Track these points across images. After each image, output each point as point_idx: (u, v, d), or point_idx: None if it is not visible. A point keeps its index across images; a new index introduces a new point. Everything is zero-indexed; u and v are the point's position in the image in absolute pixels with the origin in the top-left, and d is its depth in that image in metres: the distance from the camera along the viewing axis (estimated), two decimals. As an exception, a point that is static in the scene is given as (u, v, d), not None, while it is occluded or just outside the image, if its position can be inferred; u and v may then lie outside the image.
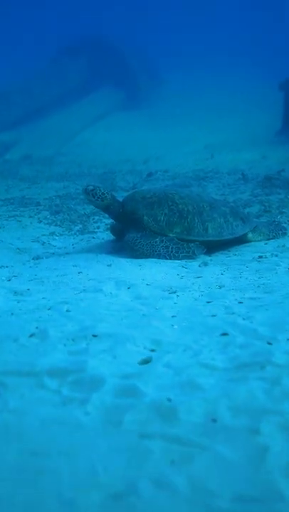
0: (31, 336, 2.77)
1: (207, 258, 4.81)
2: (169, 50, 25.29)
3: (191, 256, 4.77)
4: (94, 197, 4.94)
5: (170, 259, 4.73)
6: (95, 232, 5.97)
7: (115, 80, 17.78)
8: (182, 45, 27.69)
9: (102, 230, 6.08)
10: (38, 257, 5.06)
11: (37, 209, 7.24)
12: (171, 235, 4.85)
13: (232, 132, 13.64)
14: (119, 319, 3.08)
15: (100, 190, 4.95)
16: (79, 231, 6.07)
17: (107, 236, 5.72)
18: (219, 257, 4.88)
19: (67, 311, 3.24)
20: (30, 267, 4.73)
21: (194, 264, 4.64)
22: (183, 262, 4.71)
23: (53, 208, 7.25)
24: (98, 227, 6.22)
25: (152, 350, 2.56)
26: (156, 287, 3.84)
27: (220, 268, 4.41)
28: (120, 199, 5.22)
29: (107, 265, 4.55)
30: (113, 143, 13.48)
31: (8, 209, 7.31)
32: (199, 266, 4.58)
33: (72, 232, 6.04)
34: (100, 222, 6.38)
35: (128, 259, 4.73)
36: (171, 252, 4.77)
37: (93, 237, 5.77)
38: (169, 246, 4.78)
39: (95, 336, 2.72)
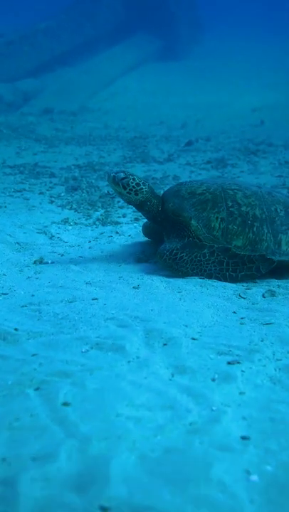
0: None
1: (274, 283, 3.45)
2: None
3: (253, 275, 3.42)
4: (125, 188, 3.52)
5: (225, 280, 3.38)
6: (120, 224, 4.61)
7: (153, 26, 15.73)
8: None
9: (128, 221, 4.73)
10: (41, 261, 3.77)
11: (50, 182, 5.89)
12: None
13: (284, 92, 11.85)
14: (152, 437, 1.79)
15: (133, 180, 3.53)
16: (99, 220, 4.72)
17: (135, 232, 4.38)
18: (290, 281, 3.50)
19: (63, 404, 1.96)
20: (29, 277, 3.45)
21: (256, 291, 3.29)
22: (239, 286, 3.36)
23: (69, 182, 5.89)
24: (124, 215, 4.86)
25: None
26: (206, 344, 2.52)
27: (297, 307, 3.04)
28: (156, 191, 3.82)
29: (134, 287, 3.24)
30: (146, 99, 11.84)
31: (15, 180, 5.97)
32: (264, 296, 3.23)
33: (91, 221, 4.70)
34: (127, 207, 5.01)
35: (163, 278, 3.40)
36: (227, 270, 3.41)
37: (117, 232, 4.42)
38: (223, 261, 3.42)
39: (105, 510, 1.43)
